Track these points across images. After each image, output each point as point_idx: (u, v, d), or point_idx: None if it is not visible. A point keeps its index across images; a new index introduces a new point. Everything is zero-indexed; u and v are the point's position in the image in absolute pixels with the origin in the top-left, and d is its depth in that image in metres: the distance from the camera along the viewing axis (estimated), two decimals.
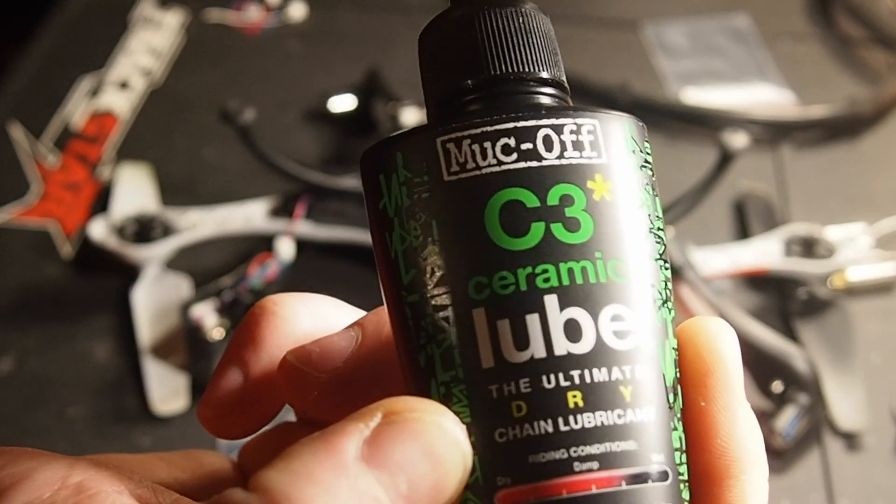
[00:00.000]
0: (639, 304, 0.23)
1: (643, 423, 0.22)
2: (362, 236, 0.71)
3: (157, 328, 0.66)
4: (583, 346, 0.22)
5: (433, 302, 0.23)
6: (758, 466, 0.25)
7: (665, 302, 0.24)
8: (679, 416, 0.24)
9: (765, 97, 0.90)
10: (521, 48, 0.25)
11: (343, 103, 0.84)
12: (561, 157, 0.23)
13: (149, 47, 0.92)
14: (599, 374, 0.22)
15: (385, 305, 0.25)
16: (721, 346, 0.25)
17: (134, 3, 0.97)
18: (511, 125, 0.23)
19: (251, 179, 0.77)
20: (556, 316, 0.22)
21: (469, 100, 0.25)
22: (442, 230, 0.23)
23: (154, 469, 0.27)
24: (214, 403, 0.27)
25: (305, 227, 0.71)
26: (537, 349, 0.22)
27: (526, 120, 0.23)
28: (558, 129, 0.23)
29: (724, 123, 0.81)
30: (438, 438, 0.21)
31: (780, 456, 0.60)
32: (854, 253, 0.71)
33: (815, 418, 0.61)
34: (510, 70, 0.25)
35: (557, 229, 0.23)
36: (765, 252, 0.70)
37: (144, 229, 0.69)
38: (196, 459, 0.29)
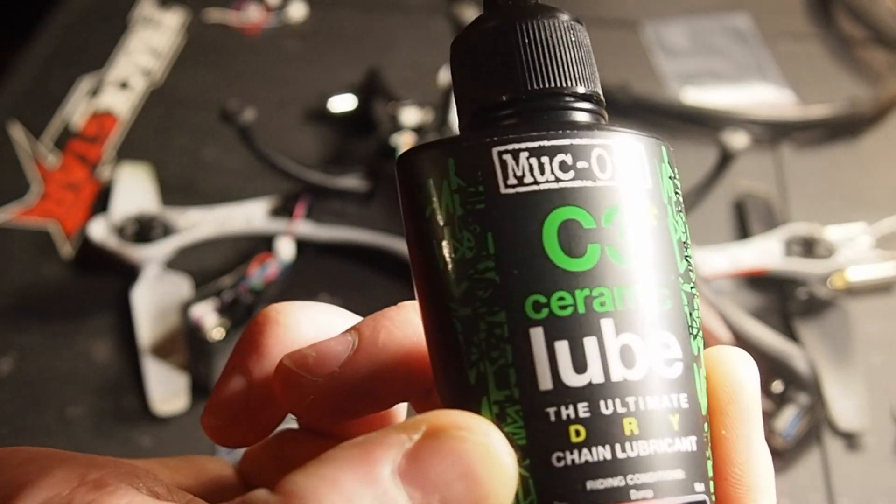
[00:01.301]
0: (681, 333, 0.23)
1: (688, 452, 0.22)
2: (362, 236, 0.71)
3: (157, 328, 0.66)
4: (637, 373, 0.22)
5: (488, 318, 0.22)
6: (769, 498, 0.25)
7: (699, 330, 0.24)
8: (709, 445, 0.24)
9: (765, 97, 0.90)
10: (569, 62, 0.24)
11: (343, 103, 0.84)
12: (613, 178, 0.23)
13: (149, 47, 0.92)
14: (652, 402, 0.22)
15: (423, 315, 0.24)
16: (743, 375, 0.25)
17: (134, 3, 0.97)
18: (568, 142, 0.23)
19: (251, 179, 0.77)
20: (613, 340, 0.22)
21: (512, 112, 0.24)
22: (498, 244, 0.22)
23: (157, 475, 0.27)
24: (218, 412, 0.27)
25: (305, 227, 0.71)
26: (595, 373, 0.22)
27: (581, 138, 0.23)
28: (609, 150, 0.23)
29: (724, 123, 0.81)
30: (481, 460, 0.21)
31: (780, 456, 0.60)
32: (854, 253, 0.71)
33: (815, 418, 0.61)
34: (558, 85, 0.24)
35: (612, 252, 0.22)
36: (765, 252, 0.70)
37: (144, 229, 0.69)
38: (198, 465, 0.29)
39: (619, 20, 0.98)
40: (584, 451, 0.22)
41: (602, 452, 0.22)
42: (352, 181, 0.72)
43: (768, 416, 0.61)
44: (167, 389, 0.63)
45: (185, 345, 0.65)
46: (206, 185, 0.78)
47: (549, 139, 0.23)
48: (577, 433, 0.22)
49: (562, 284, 0.22)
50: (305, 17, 0.97)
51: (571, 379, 0.22)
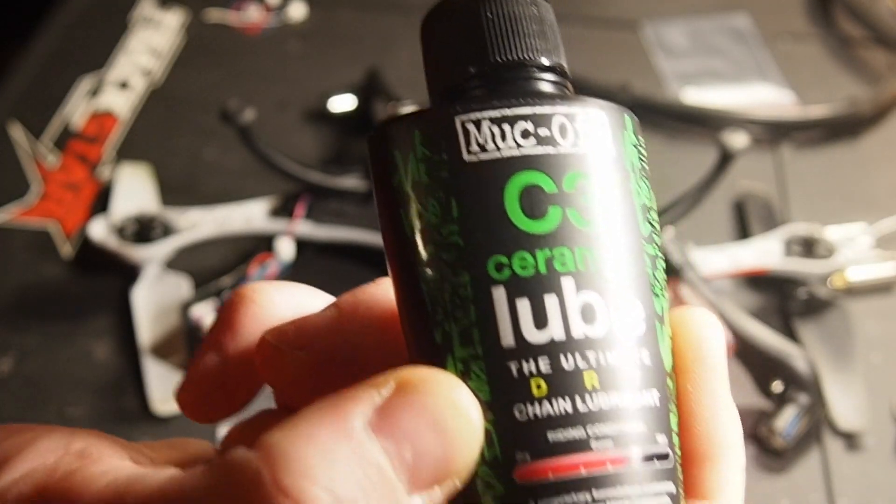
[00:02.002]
0: (643, 292, 0.24)
1: (650, 406, 0.23)
2: (362, 236, 0.71)
3: (157, 328, 0.66)
4: (598, 330, 0.23)
5: (452, 279, 0.23)
6: (735, 453, 0.25)
7: (662, 290, 0.25)
8: (674, 400, 0.25)
9: (765, 97, 0.90)
10: (532, 35, 0.25)
11: (343, 103, 0.84)
12: (575, 145, 0.24)
13: (149, 47, 0.92)
14: (614, 357, 0.23)
15: (393, 281, 0.25)
16: (709, 334, 0.26)
17: (134, 3, 0.97)
18: (529, 110, 0.24)
19: (251, 179, 0.77)
20: (573, 298, 0.23)
21: (479, 84, 0.25)
22: (462, 209, 0.23)
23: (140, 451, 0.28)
24: (192, 387, 0.27)
25: (305, 227, 0.71)
26: (556, 330, 0.23)
27: (542, 106, 0.24)
28: (571, 118, 0.24)
29: (724, 123, 0.81)
30: (449, 413, 0.22)
31: (780, 456, 0.60)
32: (854, 253, 0.71)
33: (815, 418, 0.61)
34: (522, 57, 0.25)
35: (573, 214, 0.23)
36: (765, 252, 0.70)
37: (144, 229, 0.69)
38: (181, 448, 0.29)
39: (619, 20, 0.98)
40: (546, 403, 0.22)
41: (563, 405, 0.22)
42: (352, 181, 0.72)
43: (768, 416, 0.61)
44: (167, 389, 0.63)
45: (185, 345, 0.65)
46: (206, 185, 0.78)
47: (510, 108, 0.24)
48: (539, 387, 0.22)
49: (523, 245, 0.23)
50: (305, 17, 0.97)
51: (533, 335, 0.23)
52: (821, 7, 1.01)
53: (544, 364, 0.23)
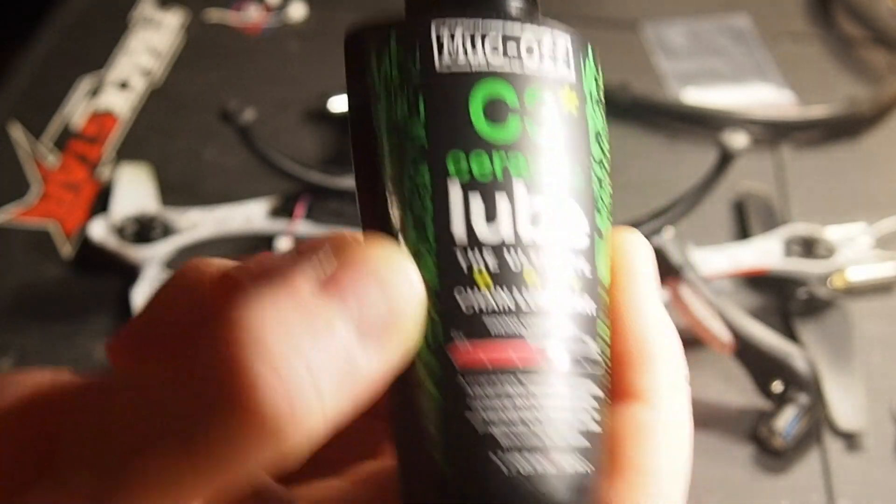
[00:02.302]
0: (588, 207, 0.26)
1: (585, 313, 0.25)
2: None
3: None
4: (543, 234, 0.25)
5: (411, 171, 0.25)
6: (669, 356, 0.27)
7: (606, 210, 0.27)
8: (607, 314, 0.26)
9: (765, 97, 0.90)
10: None
11: (343, 103, 0.84)
12: (540, 65, 0.26)
13: (149, 47, 0.92)
14: (555, 261, 0.25)
15: (355, 174, 0.26)
16: (637, 250, 0.27)
17: (134, 3, 0.97)
18: (500, 26, 0.26)
19: (251, 179, 0.77)
20: (524, 202, 0.25)
21: (452, 2, 0.26)
22: (428, 109, 0.25)
23: None
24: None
25: (305, 227, 0.71)
26: (505, 228, 0.24)
27: (513, 25, 0.26)
28: (539, 38, 0.26)
29: (724, 123, 0.81)
30: (389, 269, 0.23)
31: (780, 456, 0.60)
32: (854, 253, 0.71)
33: (815, 418, 0.61)
34: None
35: (531, 126, 0.25)
36: (765, 252, 0.70)
37: (144, 229, 0.69)
38: None
39: (619, 20, 0.98)
40: (489, 296, 0.24)
41: (505, 299, 0.24)
42: (352, 181, 0.72)
43: (768, 416, 0.61)
44: None
45: None
46: (206, 186, 0.78)
47: (483, 20, 0.25)
48: (484, 280, 0.24)
49: (482, 147, 0.25)
50: (305, 17, 0.97)
51: (483, 231, 0.24)
52: (821, 7, 1.01)
53: (491, 259, 0.24)
